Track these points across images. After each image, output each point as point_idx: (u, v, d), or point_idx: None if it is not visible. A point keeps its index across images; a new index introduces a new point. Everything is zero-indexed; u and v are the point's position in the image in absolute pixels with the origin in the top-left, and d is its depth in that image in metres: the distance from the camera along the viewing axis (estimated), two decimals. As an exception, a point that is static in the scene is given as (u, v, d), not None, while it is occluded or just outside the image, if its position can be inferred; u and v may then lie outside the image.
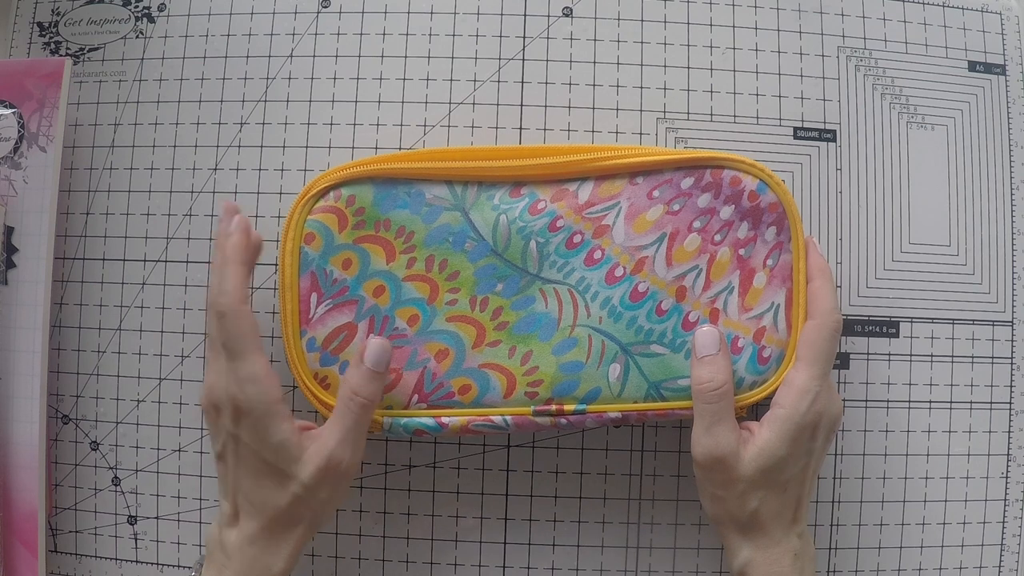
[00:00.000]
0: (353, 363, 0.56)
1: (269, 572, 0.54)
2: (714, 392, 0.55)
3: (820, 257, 0.58)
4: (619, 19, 0.67)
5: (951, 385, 0.66)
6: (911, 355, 0.66)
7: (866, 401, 0.66)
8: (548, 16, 0.67)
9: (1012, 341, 0.67)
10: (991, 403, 0.66)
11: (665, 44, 0.67)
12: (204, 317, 0.57)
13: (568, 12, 0.67)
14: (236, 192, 0.66)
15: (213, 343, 0.55)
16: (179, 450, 0.66)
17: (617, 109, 0.66)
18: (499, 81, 0.66)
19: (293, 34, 0.67)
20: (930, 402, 0.66)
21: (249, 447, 0.53)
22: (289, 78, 0.66)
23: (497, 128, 0.66)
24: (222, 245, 0.55)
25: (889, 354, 0.66)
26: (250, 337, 0.54)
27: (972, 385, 0.66)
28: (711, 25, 0.67)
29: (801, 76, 0.67)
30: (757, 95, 0.66)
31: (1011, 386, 0.66)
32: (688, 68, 0.66)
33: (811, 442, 0.55)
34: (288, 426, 0.54)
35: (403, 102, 0.66)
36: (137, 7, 0.68)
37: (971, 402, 0.66)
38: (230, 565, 0.54)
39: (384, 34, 0.66)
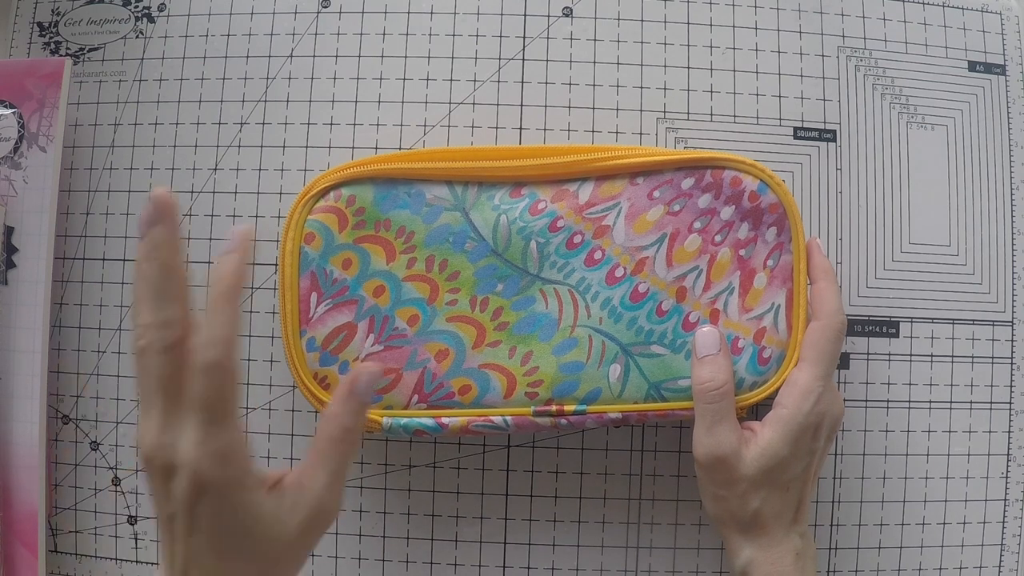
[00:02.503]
0: (341, 396, 0.48)
1: None
2: (715, 392, 0.55)
3: (824, 258, 0.58)
4: (619, 19, 0.67)
5: (951, 385, 0.66)
6: (911, 355, 0.66)
7: (866, 401, 0.66)
8: (548, 16, 0.67)
9: (1012, 341, 0.67)
10: (991, 403, 0.66)
11: (665, 44, 0.67)
12: (134, 346, 0.45)
13: (568, 12, 0.67)
14: (236, 192, 0.66)
15: (200, 403, 0.43)
16: (179, 450, 0.66)
17: (617, 109, 0.66)
18: (499, 81, 0.66)
19: (293, 34, 0.67)
20: (930, 402, 0.66)
21: (212, 524, 0.44)
22: (289, 78, 0.66)
23: (497, 128, 0.66)
24: (219, 276, 0.45)
25: (889, 354, 0.66)
26: (237, 399, 0.45)
27: (972, 385, 0.66)
28: (711, 25, 0.67)
29: (801, 76, 0.67)
30: (757, 95, 0.66)
31: (1011, 386, 0.67)
32: (688, 68, 0.67)
33: (813, 442, 0.56)
34: (261, 494, 0.45)
35: (403, 102, 0.66)
36: (137, 7, 0.68)
37: (971, 402, 0.66)
38: None
39: (384, 34, 0.66)
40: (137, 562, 0.66)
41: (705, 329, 0.57)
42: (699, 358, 0.56)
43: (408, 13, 0.67)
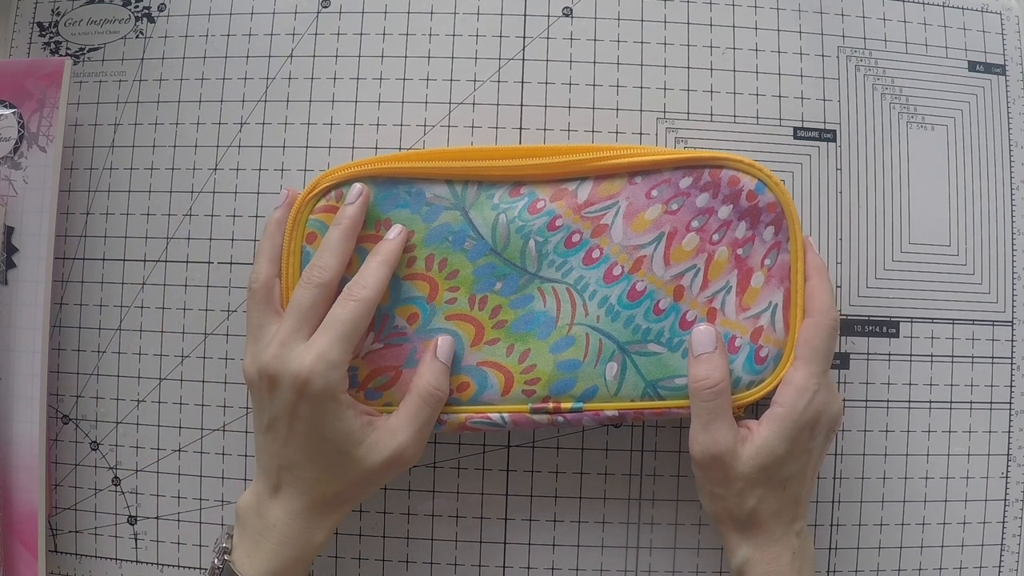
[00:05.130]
0: (428, 360, 0.57)
1: (310, 544, 0.55)
2: (710, 390, 0.55)
3: (817, 256, 0.58)
4: (619, 19, 0.67)
5: (951, 385, 0.66)
6: (911, 355, 0.66)
7: (866, 401, 0.66)
8: (548, 16, 0.67)
9: (1012, 341, 0.67)
10: (991, 403, 0.66)
11: (665, 44, 0.67)
12: (249, 284, 0.57)
13: (568, 12, 0.67)
14: (236, 192, 0.66)
15: (299, 316, 0.55)
16: (179, 450, 0.66)
17: (617, 109, 0.66)
18: (499, 81, 0.66)
19: (293, 34, 0.67)
20: (930, 402, 0.66)
21: (308, 425, 0.54)
22: (289, 78, 0.67)
23: (497, 128, 0.66)
24: (386, 249, 0.57)
25: (889, 354, 0.66)
26: (363, 331, 0.56)
27: (972, 385, 0.66)
28: (711, 25, 0.67)
29: (801, 76, 0.67)
30: (757, 95, 0.66)
31: (1011, 386, 0.66)
32: (688, 68, 0.66)
33: (810, 441, 0.56)
34: (352, 412, 0.55)
35: (403, 102, 0.66)
36: (137, 7, 0.68)
37: (971, 402, 0.66)
38: (270, 536, 0.54)
39: (384, 34, 0.66)
40: (137, 562, 0.67)
41: (702, 327, 0.57)
42: (695, 356, 0.56)
43: (408, 13, 0.67)
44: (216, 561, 0.56)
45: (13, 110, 0.64)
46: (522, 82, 0.66)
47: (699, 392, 0.56)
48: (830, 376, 0.57)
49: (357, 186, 0.57)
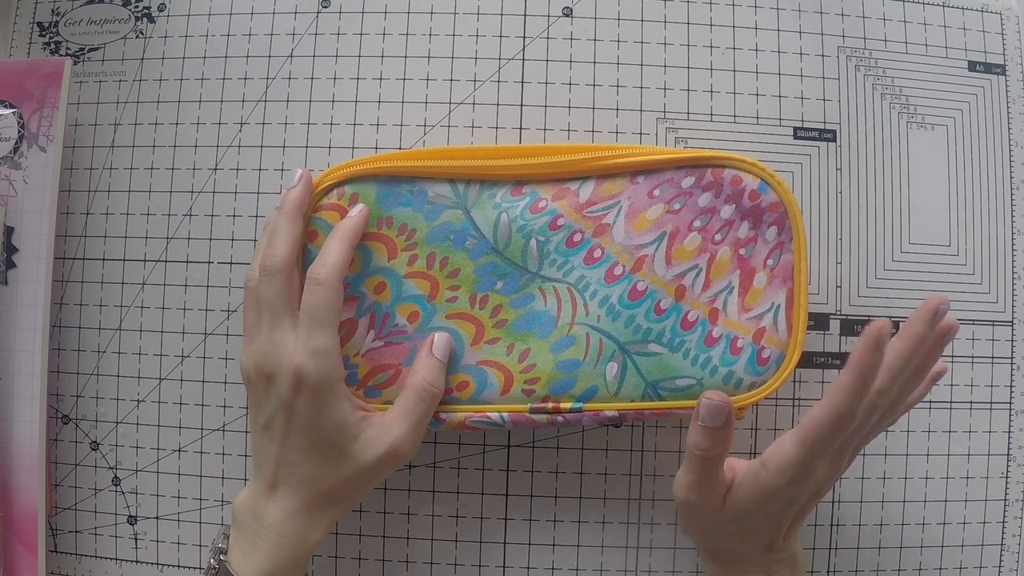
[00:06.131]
0: (423, 355, 0.57)
1: (305, 544, 0.55)
2: (707, 460, 0.53)
3: (858, 352, 0.50)
4: (619, 19, 0.67)
5: (951, 385, 0.66)
6: (911, 355, 0.66)
7: (866, 401, 0.66)
8: (548, 16, 0.67)
9: (1012, 341, 0.67)
10: (991, 403, 0.66)
11: (665, 44, 0.67)
12: (245, 283, 0.57)
13: (568, 12, 0.67)
14: (236, 192, 0.66)
15: (272, 310, 0.55)
16: (179, 450, 0.66)
17: (617, 109, 0.66)
18: (499, 81, 0.66)
19: (293, 34, 0.67)
20: (930, 402, 0.66)
21: (305, 420, 0.54)
22: (289, 78, 0.66)
23: (497, 128, 0.66)
24: (343, 226, 0.57)
25: (889, 354, 0.66)
26: (337, 311, 0.55)
27: (972, 385, 0.66)
28: (711, 25, 0.67)
29: (801, 76, 0.67)
30: (757, 95, 0.66)
31: (1011, 386, 0.66)
32: (688, 68, 0.66)
33: (787, 508, 0.54)
34: (348, 405, 0.55)
35: (403, 102, 0.66)
36: (137, 7, 0.68)
37: (971, 402, 0.66)
38: (266, 536, 0.54)
39: (384, 34, 0.66)
40: (137, 562, 0.66)
41: (715, 401, 0.52)
42: (700, 424, 0.53)
43: (408, 13, 0.67)
44: (212, 561, 0.56)
45: (13, 110, 0.64)
46: (522, 82, 0.66)
47: (695, 455, 0.53)
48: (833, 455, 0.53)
49: (299, 171, 0.58)
